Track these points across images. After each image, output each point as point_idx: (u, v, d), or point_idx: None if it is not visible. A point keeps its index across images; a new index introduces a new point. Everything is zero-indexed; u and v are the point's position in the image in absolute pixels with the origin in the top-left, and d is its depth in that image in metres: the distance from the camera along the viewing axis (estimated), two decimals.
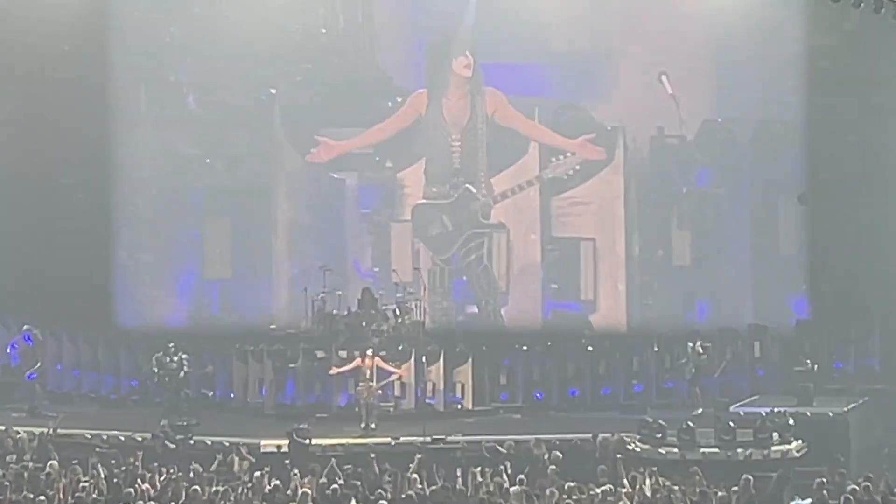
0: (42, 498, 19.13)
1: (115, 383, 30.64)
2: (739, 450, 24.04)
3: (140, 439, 25.39)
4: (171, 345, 28.04)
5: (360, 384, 26.79)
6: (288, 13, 31.62)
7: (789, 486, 21.02)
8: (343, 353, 28.04)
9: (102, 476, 21.02)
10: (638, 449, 24.32)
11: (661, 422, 24.92)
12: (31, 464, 22.48)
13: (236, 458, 23.27)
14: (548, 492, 19.65)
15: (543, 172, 31.93)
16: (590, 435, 24.50)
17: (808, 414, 25.73)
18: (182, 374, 27.81)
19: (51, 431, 25.02)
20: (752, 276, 31.26)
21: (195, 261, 32.63)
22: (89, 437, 25.62)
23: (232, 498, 19.77)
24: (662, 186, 31.94)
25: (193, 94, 32.34)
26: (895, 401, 27.20)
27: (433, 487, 20.30)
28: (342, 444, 25.11)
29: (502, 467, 21.83)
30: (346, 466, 21.86)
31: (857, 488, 18.82)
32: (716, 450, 24.17)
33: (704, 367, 27.88)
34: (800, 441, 24.43)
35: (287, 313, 31.59)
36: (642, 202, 31.86)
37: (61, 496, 19.52)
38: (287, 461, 22.74)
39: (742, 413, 26.14)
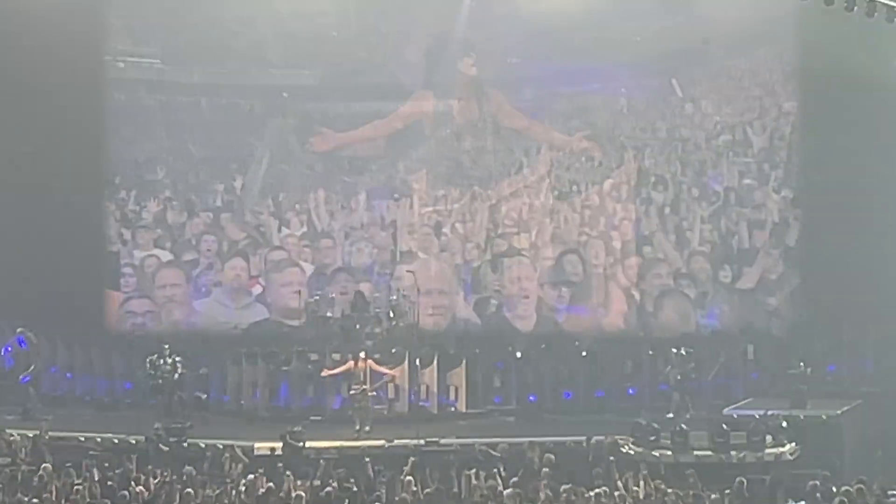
0: (35, 500, 19.09)
1: (108, 386, 30.66)
2: (733, 452, 24.03)
3: (134, 442, 25.42)
4: (166, 347, 28.03)
5: (354, 387, 26.79)
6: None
7: (783, 489, 21.01)
8: (336, 356, 28.06)
9: (96, 479, 21.00)
10: (631, 452, 24.32)
11: (654, 424, 24.94)
12: (24, 466, 22.44)
13: (230, 461, 23.28)
14: (541, 494, 19.65)
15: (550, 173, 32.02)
16: (583, 438, 24.50)
17: (802, 416, 25.76)
18: (176, 376, 27.74)
19: (45, 435, 24.98)
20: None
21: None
22: (83, 439, 25.59)
23: (225, 501, 19.74)
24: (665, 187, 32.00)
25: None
26: (888, 403, 27.17)
27: (427, 490, 20.29)
28: (336, 447, 25.11)
29: (496, 470, 21.84)
30: (339, 469, 21.87)
31: (851, 490, 18.82)
32: (709, 452, 24.16)
33: (689, 373, 27.83)
34: (793, 444, 24.44)
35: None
36: (644, 202, 31.91)
37: (55, 499, 19.46)
38: (281, 464, 22.71)
39: (736, 416, 26.14)
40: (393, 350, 28.38)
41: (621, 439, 24.57)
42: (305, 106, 32.49)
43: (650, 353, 29.56)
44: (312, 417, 27.88)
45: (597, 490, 19.66)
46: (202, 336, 31.18)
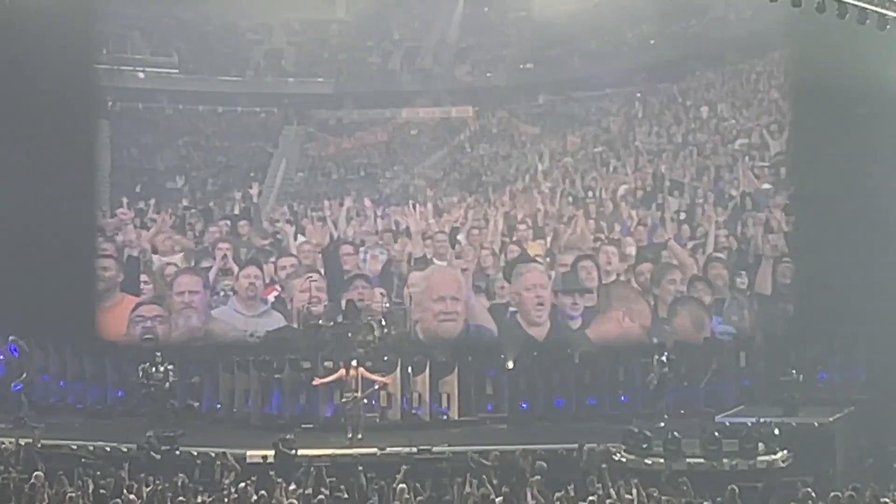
0: None
1: (100, 394, 30.68)
2: (725, 460, 24.01)
3: (126, 450, 25.39)
4: (158, 355, 28.00)
5: (346, 395, 26.77)
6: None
7: (775, 496, 21.05)
8: (328, 364, 28.05)
9: (89, 487, 20.97)
10: (623, 459, 24.30)
11: (646, 432, 24.94)
12: (16, 474, 22.36)
13: (222, 469, 23.25)
14: (533, 502, 19.64)
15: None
16: (575, 445, 24.49)
17: (794, 424, 25.73)
18: (168, 384, 27.73)
19: (37, 443, 24.94)
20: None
21: None
22: (75, 447, 25.52)
23: None
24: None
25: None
26: (880, 411, 27.17)
27: (420, 498, 20.28)
28: (328, 455, 25.09)
29: (485, 477, 21.82)
30: (331, 477, 21.85)
31: (842, 497, 18.83)
32: (701, 460, 24.13)
33: (668, 381, 27.84)
34: (785, 451, 24.41)
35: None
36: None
37: None
38: (273, 472, 22.69)
39: (728, 423, 26.14)
40: (385, 358, 28.37)
41: (613, 447, 24.56)
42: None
43: (642, 360, 29.53)
44: (304, 425, 27.87)
45: (590, 498, 19.67)
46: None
